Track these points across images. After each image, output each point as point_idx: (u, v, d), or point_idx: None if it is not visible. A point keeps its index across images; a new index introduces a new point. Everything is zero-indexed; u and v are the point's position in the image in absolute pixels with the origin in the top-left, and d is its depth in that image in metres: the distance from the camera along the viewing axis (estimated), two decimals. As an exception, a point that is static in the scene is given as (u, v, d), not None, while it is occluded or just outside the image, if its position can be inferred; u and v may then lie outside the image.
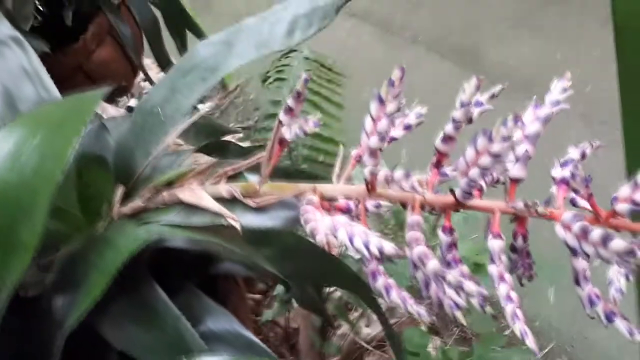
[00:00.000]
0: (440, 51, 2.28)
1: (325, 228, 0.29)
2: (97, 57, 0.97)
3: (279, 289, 0.95)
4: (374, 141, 0.29)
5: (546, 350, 1.28)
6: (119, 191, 0.45)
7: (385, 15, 2.67)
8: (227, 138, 0.74)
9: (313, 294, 0.64)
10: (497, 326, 1.35)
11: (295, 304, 1.09)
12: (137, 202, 0.42)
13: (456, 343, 1.28)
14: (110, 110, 0.63)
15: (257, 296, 1.11)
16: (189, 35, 1.04)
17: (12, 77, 0.45)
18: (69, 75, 0.93)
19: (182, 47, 0.98)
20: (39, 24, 0.98)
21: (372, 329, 1.16)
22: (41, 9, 0.91)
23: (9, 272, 0.34)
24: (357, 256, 0.32)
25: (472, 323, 1.05)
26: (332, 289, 1.16)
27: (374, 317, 1.22)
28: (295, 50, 1.13)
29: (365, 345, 1.12)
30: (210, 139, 0.64)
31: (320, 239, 0.28)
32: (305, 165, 1.01)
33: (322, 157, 1.04)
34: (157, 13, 1.05)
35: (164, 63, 0.99)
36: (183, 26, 0.98)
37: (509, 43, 2.14)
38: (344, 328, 1.17)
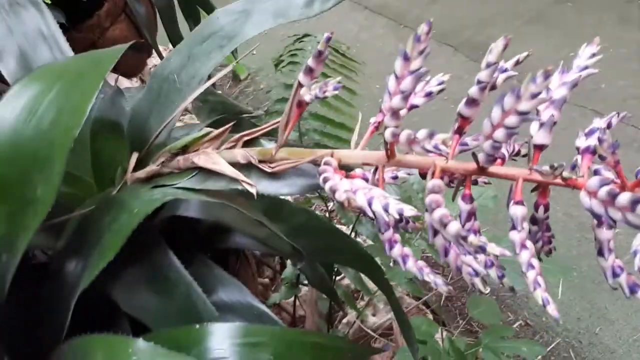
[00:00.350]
0: (453, 44, 2.27)
1: (344, 187, 0.28)
2: (111, 35, 0.96)
3: (287, 272, 0.95)
4: (396, 101, 0.28)
5: (553, 345, 1.28)
6: (133, 157, 0.44)
7: (400, 8, 2.66)
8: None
9: (323, 274, 0.63)
10: (504, 319, 1.35)
11: (302, 290, 1.09)
12: (151, 167, 0.41)
13: (462, 335, 1.27)
14: (125, 82, 0.62)
15: (265, 280, 1.11)
16: (203, 16, 1.03)
17: (28, 39, 0.45)
18: (82, 51, 0.92)
19: (195, 27, 0.97)
20: (55, 1, 0.98)
21: (378, 318, 1.16)
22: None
23: (24, 227, 0.33)
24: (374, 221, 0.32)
25: (479, 314, 1.04)
26: (340, 276, 1.16)
27: (381, 306, 1.22)
28: (309, 35, 1.12)
29: (371, 333, 1.11)
30: (223, 116, 0.63)
31: (340, 196, 0.27)
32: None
33: (333, 143, 1.03)
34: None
35: (177, 44, 0.98)
36: (197, 6, 0.98)
37: (523, 39, 2.12)
38: (350, 316, 1.17)
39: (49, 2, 0.99)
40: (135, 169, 0.45)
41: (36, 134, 0.31)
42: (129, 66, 1.09)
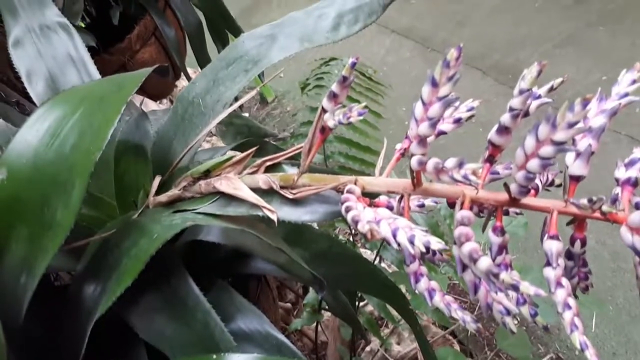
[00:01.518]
0: (481, 68, 2.25)
1: (367, 218, 0.27)
2: (141, 57, 0.98)
3: (309, 297, 0.93)
4: (424, 128, 0.27)
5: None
6: (156, 181, 0.44)
7: (427, 32, 2.65)
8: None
9: (345, 302, 0.61)
10: (534, 352, 1.29)
11: (325, 316, 1.07)
12: (173, 191, 0.41)
13: (490, 367, 1.23)
14: (151, 105, 0.63)
15: (287, 305, 1.09)
16: (232, 40, 1.04)
17: (58, 63, 0.45)
18: (112, 73, 0.94)
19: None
20: (87, 25, 1.01)
21: (402, 347, 1.13)
22: (90, 10, 0.94)
23: (43, 250, 0.33)
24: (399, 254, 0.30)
25: (508, 347, 1.00)
26: (363, 302, 1.14)
27: (405, 334, 1.18)
28: (335, 59, 1.12)
29: (394, 362, 1.08)
30: (248, 139, 0.63)
31: (362, 227, 0.26)
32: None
33: (359, 166, 1.02)
34: (202, 17, 1.07)
35: (205, 66, 1.00)
36: (226, 30, 0.99)
37: (554, 62, 2.09)
38: (374, 344, 1.14)
39: (83, 25, 1.01)
40: (158, 192, 0.44)
41: (57, 158, 0.31)
42: (158, 89, 1.11)
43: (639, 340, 1.26)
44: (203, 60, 1.01)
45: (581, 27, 2.28)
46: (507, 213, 0.35)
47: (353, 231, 1.23)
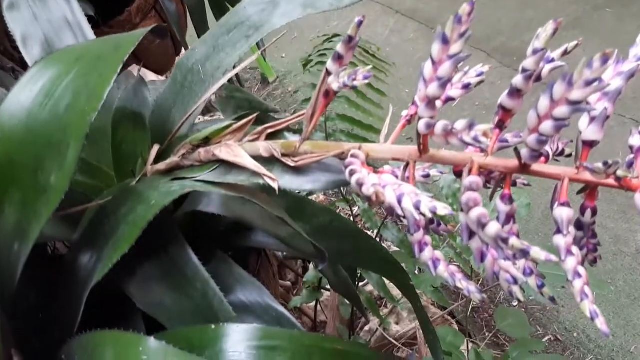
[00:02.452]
0: (486, 50, 2.22)
1: (372, 181, 0.26)
2: (141, 31, 0.96)
3: (309, 275, 0.93)
4: (433, 88, 0.26)
5: (585, 362, 1.22)
6: (154, 149, 0.43)
7: (431, 13, 2.62)
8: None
9: (346, 278, 0.61)
10: (532, 333, 1.29)
11: (324, 295, 1.06)
12: (172, 159, 0.40)
13: (488, 348, 1.23)
14: (150, 76, 0.61)
15: (287, 284, 1.09)
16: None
17: (54, 27, 0.44)
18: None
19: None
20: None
21: (401, 327, 1.13)
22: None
23: (37, 215, 0.32)
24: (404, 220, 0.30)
25: (507, 327, 1.00)
26: (363, 282, 1.13)
27: (404, 314, 1.18)
28: (338, 35, 1.10)
29: (394, 342, 1.08)
30: (249, 113, 0.62)
31: (367, 190, 0.25)
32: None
33: (361, 145, 1.01)
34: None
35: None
36: (226, 3, 0.97)
37: (560, 45, 2.06)
38: (373, 323, 1.14)
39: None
40: (156, 161, 0.43)
41: (51, 118, 0.30)
42: (159, 63, 1.09)
43: (638, 323, 1.26)
44: (203, 34, 1.00)
45: (588, 10, 2.24)
46: (514, 184, 0.34)
47: (354, 212, 1.22)
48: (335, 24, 2.66)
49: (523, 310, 1.33)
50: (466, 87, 0.32)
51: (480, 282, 1.29)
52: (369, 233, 1.24)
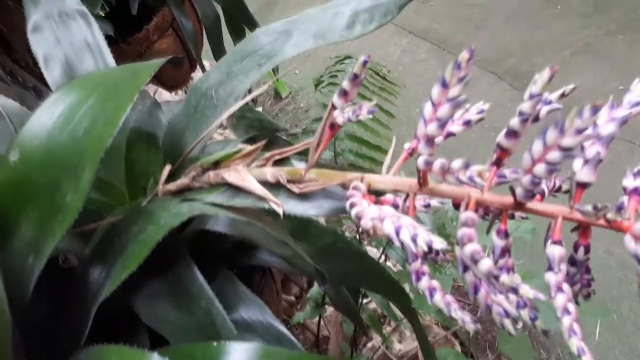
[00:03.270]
0: (496, 72, 2.23)
1: (371, 214, 0.27)
2: (158, 48, 0.99)
3: (313, 291, 0.93)
4: (432, 128, 0.27)
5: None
6: (166, 169, 0.45)
7: (444, 35, 2.64)
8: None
9: (348, 297, 0.62)
10: (536, 357, 1.29)
11: (327, 310, 1.07)
12: (182, 180, 0.41)
13: (491, 371, 1.22)
14: (165, 95, 0.63)
15: (291, 298, 1.10)
16: (248, 34, 1.05)
17: (75, 49, 0.46)
18: (129, 62, 0.95)
19: (239, 44, 0.99)
20: (106, 14, 1.02)
21: (404, 345, 1.13)
22: (109, -1, 0.95)
23: (52, 232, 0.34)
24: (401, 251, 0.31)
25: (510, 350, 0.99)
26: (367, 299, 1.14)
27: (407, 333, 1.19)
28: (350, 57, 1.12)
29: (395, 361, 1.08)
30: (259, 133, 0.64)
31: (365, 223, 0.26)
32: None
33: (368, 164, 1.02)
34: (219, 11, 1.07)
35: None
36: (242, 24, 0.99)
37: (570, 70, 2.07)
38: (375, 341, 1.14)
39: (103, 14, 1.02)
40: (167, 181, 0.45)
41: (70, 142, 0.32)
42: (173, 80, 1.12)
43: (643, 353, 1.25)
44: (219, 52, 1.02)
45: (600, 36, 2.25)
46: (512, 217, 0.35)
47: (360, 228, 1.23)
48: (349, 43, 2.69)
49: (526, 333, 1.33)
50: (467, 123, 0.33)
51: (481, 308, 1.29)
52: (375, 250, 1.25)
